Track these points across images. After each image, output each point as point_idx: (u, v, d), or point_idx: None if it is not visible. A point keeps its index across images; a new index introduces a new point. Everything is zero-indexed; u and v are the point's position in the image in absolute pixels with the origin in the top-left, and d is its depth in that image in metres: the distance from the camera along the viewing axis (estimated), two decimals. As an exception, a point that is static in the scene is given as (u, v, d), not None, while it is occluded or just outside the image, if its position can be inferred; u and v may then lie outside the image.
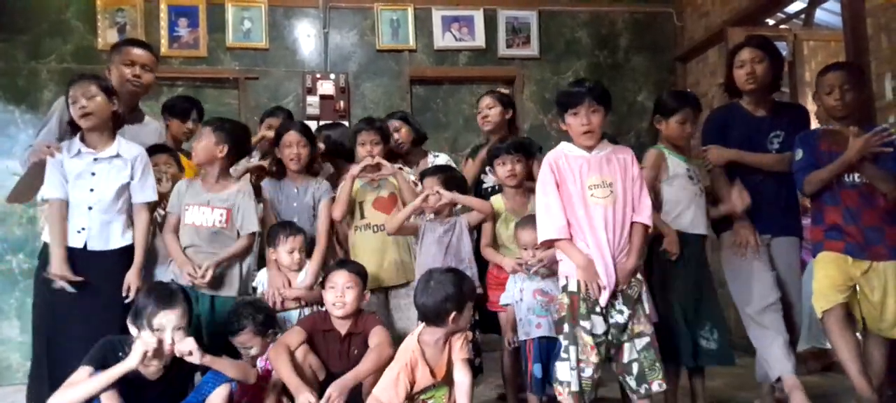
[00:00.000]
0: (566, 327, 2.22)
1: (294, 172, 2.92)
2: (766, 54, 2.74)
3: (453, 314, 2.20)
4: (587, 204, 2.22)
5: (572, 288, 2.22)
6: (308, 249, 2.76)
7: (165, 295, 2.15)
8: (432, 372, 2.25)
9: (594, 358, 2.18)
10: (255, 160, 3.22)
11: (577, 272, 2.21)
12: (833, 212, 2.55)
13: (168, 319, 2.11)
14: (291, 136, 2.87)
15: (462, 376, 2.25)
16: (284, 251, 2.67)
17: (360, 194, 2.91)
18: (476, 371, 2.60)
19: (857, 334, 2.57)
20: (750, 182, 2.69)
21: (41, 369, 2.38)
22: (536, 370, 2.50)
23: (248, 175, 2.90)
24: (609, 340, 2.22)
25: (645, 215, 2.27)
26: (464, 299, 2.24)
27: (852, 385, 2.41)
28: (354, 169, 2.84)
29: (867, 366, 2.55)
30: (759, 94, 2.77)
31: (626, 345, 2.23)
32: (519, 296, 2.59)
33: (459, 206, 2.92)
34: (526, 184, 2.88)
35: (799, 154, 2.61)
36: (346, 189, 2.85)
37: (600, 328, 2.20)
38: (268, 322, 2.51)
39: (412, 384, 2.21)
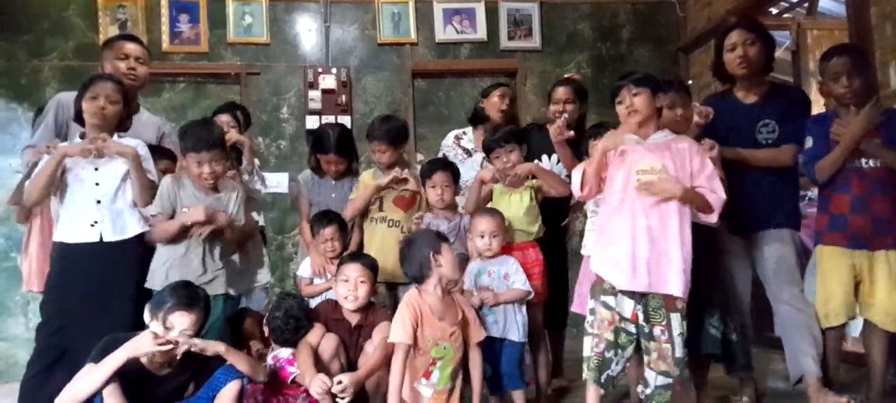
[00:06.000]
0: (592, 303, 2.25)
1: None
2: (758, 36, 2.65)
3: (432, 255, 2.26)
4: (630, 188, 2.18)
5: None
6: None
7: (187, 297, 2.16)
8: (440, 318, 2.28)
9: (609, 335, 2.16)
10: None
11: (602, 143, 2.23)
12: (840, 201, 2.49)
13: (180, 321, 2.12)
14: (330, 157, 3.03)
15: (476, 355, 2.35)
16: (320, 239, 2.87)
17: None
18: None
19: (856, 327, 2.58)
20: (735, 176, 2.54)
21: (40, 364, 2.39)
22: (486, 369, 2.44)
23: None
24: (634, 336, 2.20)
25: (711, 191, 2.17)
26: (437, 242, 2.30)
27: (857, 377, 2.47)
28: (382, 181, 2.87)
29: (867, 356, 2.53)
30: (752, 79, 2.68)
31: (647, 371, 2.20)
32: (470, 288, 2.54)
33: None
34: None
35: (809, 142, 2.54)
36: (365, 197, 2.89)
37: (628, 309, 2.18)
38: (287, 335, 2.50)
39: (417, 322, 2.25)
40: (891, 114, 2.51)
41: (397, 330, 2.25)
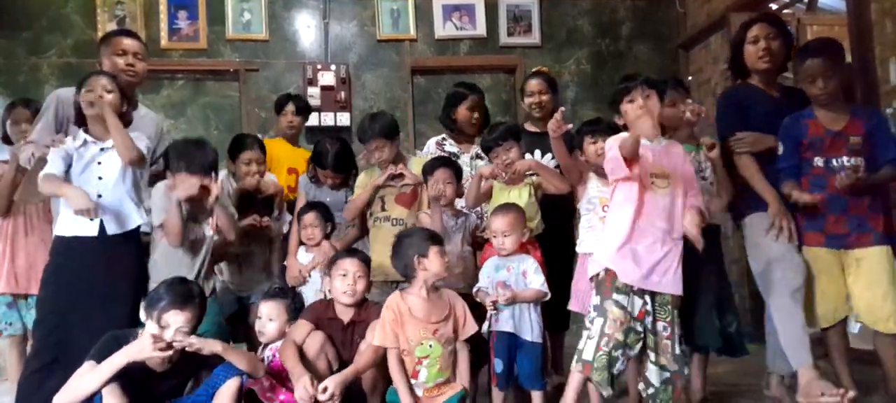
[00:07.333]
0: (597, 300, 2.24)
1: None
2: (780, 31, 2.66)
3: (416, 259, 2.28)
4: (648, 191, 2.24)
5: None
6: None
7: (181, 295, 2.16)
8: (424, 318, 2.28)
9: (620, 336, 2.16)
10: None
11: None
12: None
13: (175, 319, 2.12)
14: (327, 173, 3.08)
15: (462, 351, 2.36)
16: (300, 226, 2.96)
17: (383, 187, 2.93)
18: (482, 360, 2.59)
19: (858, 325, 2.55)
20: (773, 167, 2.56)
21: (38, 363, 2.39)
22: (497, 364, 2.45)
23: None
24: (641, 334, 2.22)
25: (697, 200, 2.32)
26: (425, 244, 2.30)
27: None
28: (379, 179, 2.87)
29: (881, 364, 2.48)
30: (771, 75, 2.68)
31: (650, 365, 2.24)
32: (486, 284, 2.53)
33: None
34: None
35: (780, 149, 2.53)
36: (365, 197, 2.89)
37: (637, 308, 2.20)
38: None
39: (398, 325, 2.27)
40: (874, 114, 2.53)
41: (379, 334, 2.28)
